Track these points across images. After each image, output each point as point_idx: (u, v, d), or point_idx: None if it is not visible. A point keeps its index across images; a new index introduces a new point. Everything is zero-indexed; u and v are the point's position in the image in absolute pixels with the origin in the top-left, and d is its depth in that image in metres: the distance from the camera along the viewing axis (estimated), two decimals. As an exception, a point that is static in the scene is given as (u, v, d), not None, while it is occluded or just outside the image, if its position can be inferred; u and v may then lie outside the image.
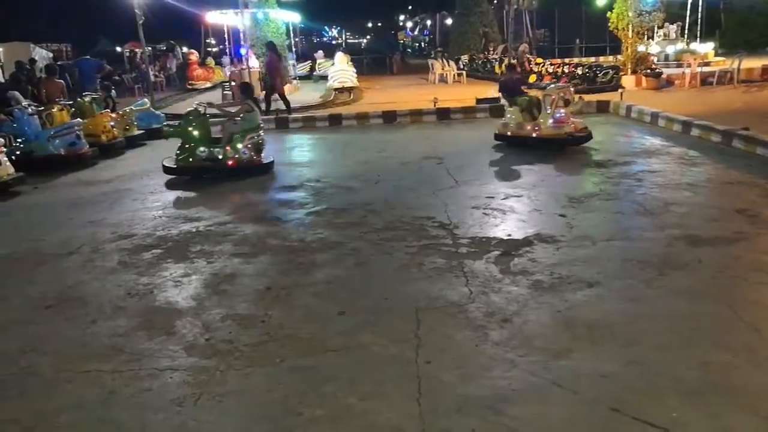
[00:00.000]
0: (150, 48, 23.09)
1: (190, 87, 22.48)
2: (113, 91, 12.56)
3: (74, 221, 6.40)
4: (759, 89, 14.01)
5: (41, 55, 23.09)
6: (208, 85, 22.42)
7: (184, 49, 27.52)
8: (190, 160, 7.95)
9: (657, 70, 15.64)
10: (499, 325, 3.60)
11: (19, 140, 9.19)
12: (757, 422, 2.58)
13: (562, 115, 8.46)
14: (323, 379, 3.10)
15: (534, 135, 8.70)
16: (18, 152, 8.90)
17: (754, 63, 15.93)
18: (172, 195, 7.39)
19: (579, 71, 16.04)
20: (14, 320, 4.06)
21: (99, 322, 3.94)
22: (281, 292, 4.25)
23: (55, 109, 9.67)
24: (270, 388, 3.07)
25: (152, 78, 18.18)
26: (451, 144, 9.93)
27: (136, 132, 11.40)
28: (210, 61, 25.23)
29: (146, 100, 12.74)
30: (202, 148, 7.94)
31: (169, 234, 5.74)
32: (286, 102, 13.52)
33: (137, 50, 24.34)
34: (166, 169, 8.08)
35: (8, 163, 7.96)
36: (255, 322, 3.80)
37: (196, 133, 8.01)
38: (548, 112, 8.51)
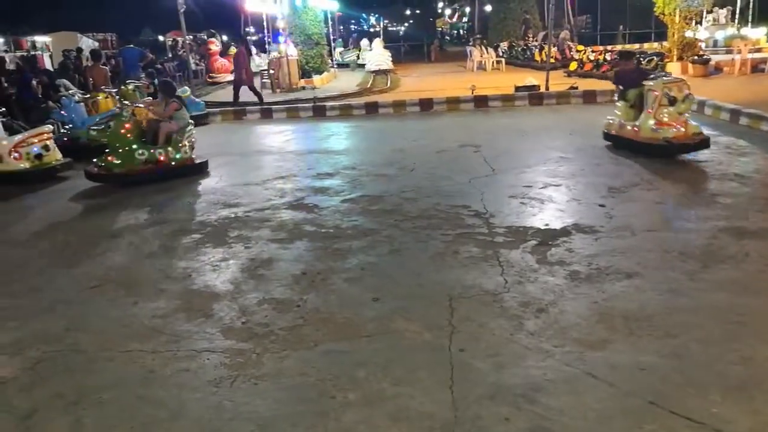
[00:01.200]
0: (191, 36, 23.45)
1: (210, 80, 20.63)
2: (156, 79, 12.82)
3: (119, 205, 6.59)
4: (814, 76, 13.41)
5: (87, 44, 23.72)
6: (230, 77, 19.13)
7: (224, 38, 27.77)
8: (129, 164, 7.36)
9: (705, 57, 15.12)
10: (535, 314, 3.56)
11: (67, 127, 9.49)
12: (802, 420, 2.50)
13: (665, 115, 7.05)
14: (357, 364, 3.13)
15: (633, 137, 7.43)
16: (65, 138, 9.19)
17: (809, 49, 15.23)
18: (211, 181, 7.52)
19: (622, 58, 15.60)
20: (61, 300, 4.21)
21: (140, 303, 4.05)
22: (317, 277, 4.29)
23: (100, 97, 9.94)
24: (304, 372, 3.11)
25: (193, 66, 18.49)
26: (489, 132, 9.82)
27: (178, 119, 11.60)
28: (233, 50, 21.37)
29: (187, 88, 12.94)
30: (141, 151, 7.44)
31: (208, 219, 5.85)
32: (258, 94, 13.79)
33: (179, 39, 24.65)
34: (91, 176, 7.38)
35: (56, 149, 8.23)
36: (290, 306, 3.85)
37: (130, 135, 7.44)
38: (650, 111, 7.14)
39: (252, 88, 13.86)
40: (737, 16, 18.77)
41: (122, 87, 11.07)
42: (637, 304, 3.61)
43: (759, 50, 16.63)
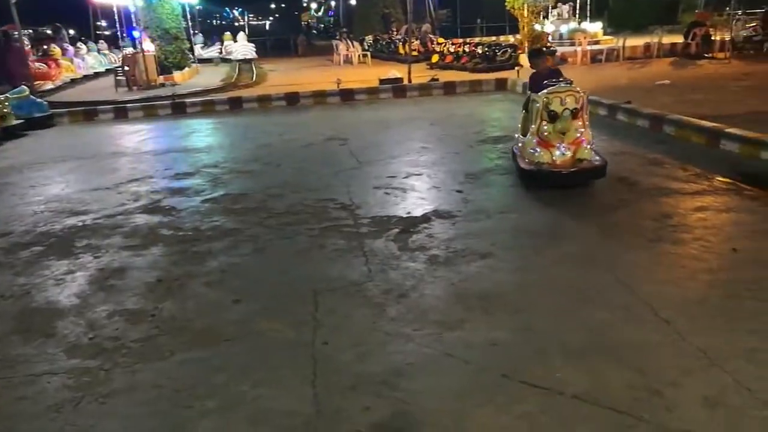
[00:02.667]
0: (30, 31, 21.31)
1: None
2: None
3: (-58, 221, 5.83)
4: (641, 65, 14.96)
5: None
6: (50, 86, 16.37)
7: (71, 32, 25.56)
8: None
9: (552, 48, 16.30)
10: (396, 301, 3.62)
11: None
12: (628, 375, 2.75)
13: (546, 133, 5.48)
14: (215, 370, 3.00)
15: (516, 158, 5.93)
16: None
17: (637, 41, 16.96)
18: (57, 188, 6.89)
19: (479, 50, 16.43)
20: None
21: (-32, 328, 3.61)
22: (173, 283, 4.07)
23: None
24: (158, 384, 2.93)
25: (34, 64, 16.81)
26: (355, 125, 9.90)
27: (14, 122, 10.53)
28: (55, 50, 18.52)
29: (25, 87, 11.76)
30: None
31: (52, 230, 5.35)
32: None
33: (15, 33, 22.28)
34: None
35: None
36: (144, 316, 3.62)
37: None
38: (533, 127, 5.63)
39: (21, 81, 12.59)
40: (578, 12, 20.48)
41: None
42: (491, 282, 3.80)
43: (597, 42, 18.27)
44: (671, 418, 2.45)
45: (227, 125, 10.84)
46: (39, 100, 11.85)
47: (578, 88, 5.69)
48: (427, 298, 3.64)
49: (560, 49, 16.88)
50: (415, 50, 18.25)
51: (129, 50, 15.60)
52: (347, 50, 21.08)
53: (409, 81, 13.39)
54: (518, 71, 13.46)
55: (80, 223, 5.46)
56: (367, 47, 22.81)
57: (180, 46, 17.91)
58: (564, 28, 19.72)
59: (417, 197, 5.68)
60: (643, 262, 3.99)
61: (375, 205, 5.49)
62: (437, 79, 13.54)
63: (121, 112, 12.23)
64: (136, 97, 13.66)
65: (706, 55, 15.58)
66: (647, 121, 8.10)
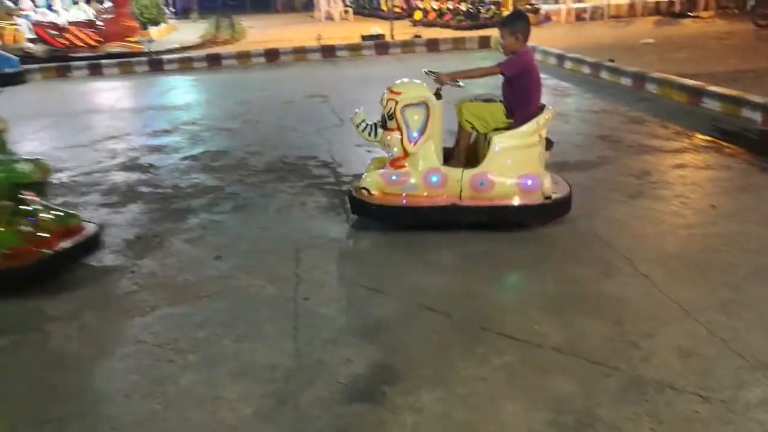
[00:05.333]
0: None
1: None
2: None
3: None
4: (626, 24, 14.85)
5: None
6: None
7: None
8: None
9: (536, 6, 16.09)
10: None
11: None
12: (605, 327, 2.80)
13: (394, 156, 3.91)
14: (196, 325, 2.99)
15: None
16: None
17: (622, 0, 16.81)
18: (30, 145, 6.70)
19: (462, 7, 16.16)
20: None
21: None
22: (153, 240, 4.02)
23: None
24: (140, 339, 2.92)
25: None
26: (336, 82, 9.74)
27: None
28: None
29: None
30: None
31: (26, 187, 5.22)
32: None
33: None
34: None
35: None
36: (123, 273, 3.58)
37: None
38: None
39: None
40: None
41: None
42: (472, 239, 3.81)
43: (581, 0, 18.04)
44: (647, 367, 2.50)
45: (206, 82, 10.60)
46: (9, 55, 11.43)
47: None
48: (408, 253, 3.64)
49: (544, 7, 16.66)
50: (397, 7, 17.91)
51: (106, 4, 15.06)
52: (328, 6, 20.61)
53: (392, 38, 13.16)
54: (502, 29, 13.27)
55: (56, 181, 5.33)
56: (348, 3, 22.31)
57: (156, 1, 17.36)
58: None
59: (399, 155, 5.62)
60: (622, 217, 4.02)
61: (357, 163, 5.43)
62: (420, 36, 13.32)
63: (95, 69, 11.89)
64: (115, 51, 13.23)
65: (690, 14, 15.49)
66: (630, 79, 8.09)
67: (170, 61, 12.15)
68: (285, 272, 3.50)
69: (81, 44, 13.18)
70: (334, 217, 4.27)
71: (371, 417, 2.30)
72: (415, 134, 3.80)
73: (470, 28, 14.70)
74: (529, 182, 3.75)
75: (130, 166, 5.67)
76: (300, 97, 8.49)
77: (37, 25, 13.67)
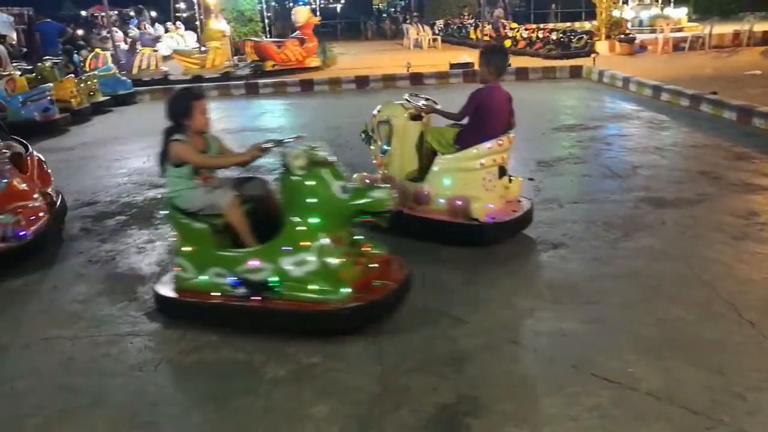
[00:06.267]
0: (116, 12, 22.29)
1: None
2: (76, 55, 12.17)
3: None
4: (729, 55, 14.13)
5: (1, 19, 22.16)
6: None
7: (152, 14, 26.49)
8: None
9: (631, 35, 15.64)
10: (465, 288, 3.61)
11: None
12: (706, 375, 2.64)
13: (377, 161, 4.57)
14: (289, 340, 3.08)
15: None
16: None
17: (725, 29, 16.02)
18: (138, 161, 7.22)
19: (553, 36, 15.95)
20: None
21: (59, 288, 3.87)
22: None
23: (17, 74, 9.35)
24: (236, 349, 3.04)
25: (119, 43, 17.59)
26: (424, 109, 9.83)
27: (101, 98, 11.09)
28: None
29: (111, 65, 12.33)
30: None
31: (134, 201, 5.63)
32: None
33: (102, 14, 23.34)
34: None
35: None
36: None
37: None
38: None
39: None
40: (661, -3, 19.51)
41: (39, 64, 10.42)
42: (562, 273, 3.73)
43: (680, 29, 17.38)
44: (754, 422, 2.34)
45: (298, 106, 11.02)
46: (123, 78, 12.41)
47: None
48: (495, 284, 3.61)
49: (639, 37, 16.16)
50: (486, 35, 17.92)
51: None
52: (417, 34, 20.94)
53: (480, 66, 13.18)
54: (594, 58, 13.01)
55: (159, 196, 5.70)
56: (437, 32, 22.58)
57: (254, 28, 18.30)
58: (645, 14, 18.83)
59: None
60: (725, 259, 3.80)
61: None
62: (509, 65, 13.25)
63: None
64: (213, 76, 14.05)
65: (802, 44, 14.53)
66: (734, 112, 7.67)
67: (265, 85, 12.73)
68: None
69: (293, 60, 14.63)
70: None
71: (456, 448, 2.28)
72: (385, 147, 4.41)
73: (560, 57, 14.48)
74: (458, 203, 4.07)
75: (227, 185, 5.96)
76: (388, 123, 8.63)
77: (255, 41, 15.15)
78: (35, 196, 4.60)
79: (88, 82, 10.90)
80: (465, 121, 4.29)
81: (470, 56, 13.70)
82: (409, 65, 12.87)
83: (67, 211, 5.04)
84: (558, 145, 6.98)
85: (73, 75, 10.53)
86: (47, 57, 11.28)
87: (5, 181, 4.49)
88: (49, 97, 9.12)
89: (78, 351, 3.12)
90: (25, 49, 14.60)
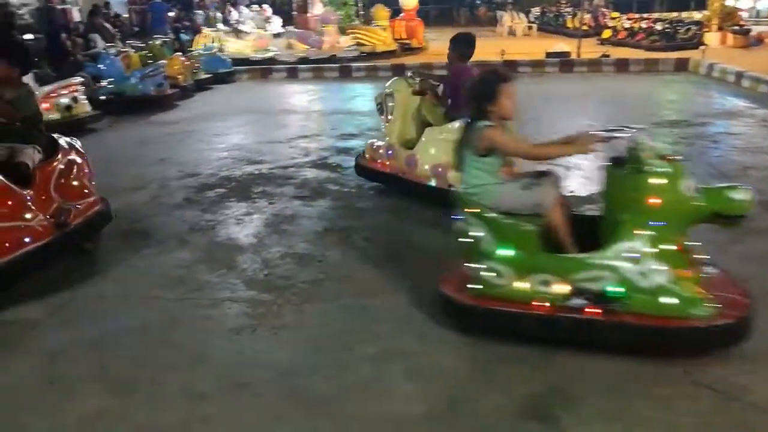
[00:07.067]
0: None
1: None
2: (182, 34, 12.79)
3: (144, 159, 6.65)
4: None
5: (116, -1, 23.51)
6: None
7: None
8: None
9: (745, 27, 14.58)
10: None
11: (107, 82, 9.44)
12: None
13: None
14: (377, 320, 3.15)
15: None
16: (110, 93, 9.23)
17: None
18: (236, 138, 7.54)
19: (658, 27, 15.13)
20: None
21: (164, 254, 4.11)
22: (338, 234, 4.31)
23: (132, 51, 9.97)
24: (324, 324, 3.15)
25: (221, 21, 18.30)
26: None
27: (203, 76, 11.63)
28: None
29: (214, 45, 12.89)
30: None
31: (233, 175, 5.88)
32: None
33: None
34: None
35: (86, 102, 8.27)
36: (312, 261, 3.88)
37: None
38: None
39: None
40: (783, -14, 18.01)
41: (149, 42, 11.05)
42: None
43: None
44: None
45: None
46: (224, 57, 12.93)
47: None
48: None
49: (756, 29, 15.02)
50: (585, 24, 17.27)
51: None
52: (512, 21, 20.47)
53: (578, 56, 12.73)
54: (703, 51, 12.22)
55: (257, 171, 5.95)
56: (533, 19, 21.97)
57: (348, 12, 18.50)
58: (763, 5, 17.48)
59: (581, 177, 5.44)
60: None
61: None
62: (608, 56, 12.73)
63: (292, 73, 13.02)
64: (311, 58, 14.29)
65: None
66: None
67: (357, 69, 12.89)
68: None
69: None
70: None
71: (545, 439, 2.26)
72: (389, 116, 5.01)
73: (665, 50, 13.70)
74: (440, 170, 4.48)
75: (320, 164, 6.13)
76: (479, 110, 8.52)
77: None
78: (27, 216, 3.54)
79: (193, 61, 11.45)
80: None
81: (567, 45, 13.27)
82: (503, 52, 12.61)
83: (104, 223, 4.19)
84: (659, 141, 6.61)
85: (179, 53, 11.09)
86: (157, 36, 11.93)
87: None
88: (163, 74, 9.67)
89: (180, 312, 3.32)
90: (136, 28, 15.45)
